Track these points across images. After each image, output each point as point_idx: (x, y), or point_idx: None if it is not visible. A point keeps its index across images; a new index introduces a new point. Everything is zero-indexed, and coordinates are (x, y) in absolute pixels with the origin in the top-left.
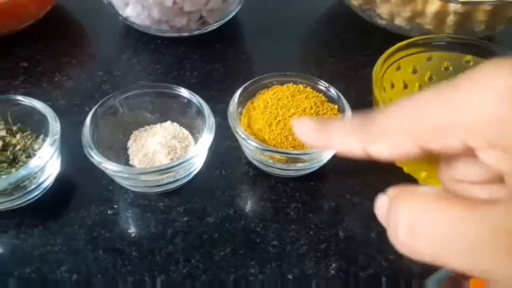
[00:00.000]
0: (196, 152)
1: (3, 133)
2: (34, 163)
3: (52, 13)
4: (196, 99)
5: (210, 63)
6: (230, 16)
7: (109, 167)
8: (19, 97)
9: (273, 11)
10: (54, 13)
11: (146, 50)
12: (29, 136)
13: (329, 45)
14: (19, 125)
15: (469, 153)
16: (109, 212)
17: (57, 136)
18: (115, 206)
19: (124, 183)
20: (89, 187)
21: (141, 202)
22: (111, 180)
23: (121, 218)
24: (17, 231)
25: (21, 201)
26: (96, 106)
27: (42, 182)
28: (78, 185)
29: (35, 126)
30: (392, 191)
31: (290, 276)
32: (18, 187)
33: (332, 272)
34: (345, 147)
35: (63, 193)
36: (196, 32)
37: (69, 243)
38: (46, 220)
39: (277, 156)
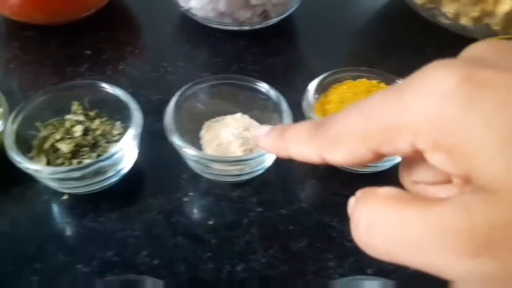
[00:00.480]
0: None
1: (81, 117)
2: (117, 151)
3: (113, 3)
4: (275, 93)
5: (271, 57)
6: (291, 11)
7: (191, 152)
8: (103, 84)
9: (329, 7)
10: (115, 2)
11: (206, 43)
12: (107, 122)
13: (387, 43)
14: (96, 110)
15: (419, 156)
16: (184, 199)
17: (141, 126)
18: (190, 193)
19: (201, 170)
20: (163, 174)
21: (214, 191)
22: (184, 169)
23: (197, 206)
24: (96, 215)
25: (98, 186)
26: (177, 94)
27: (121, 169)
28: (153, 172)
29: (111, 112)
30: (358, 192)
31: (369, 271)
32: (98, 172)
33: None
34: (302, 156)
35: (138, 179)
36: (257, 26)
37: (148, 228)
38: (123, 205)
39: None
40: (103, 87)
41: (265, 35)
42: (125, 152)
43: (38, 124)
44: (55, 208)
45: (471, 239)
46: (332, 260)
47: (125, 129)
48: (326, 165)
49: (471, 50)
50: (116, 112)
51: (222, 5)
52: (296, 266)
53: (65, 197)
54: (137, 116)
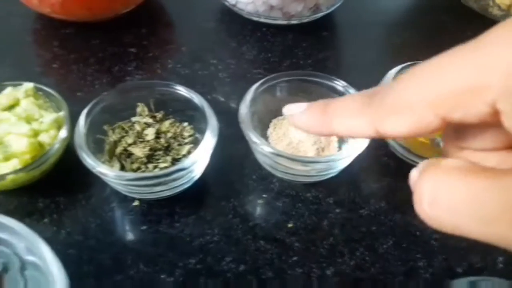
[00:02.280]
0: (347, 154)
1: (148, 119)
2: (197, 160)
3: None
4: (352, 91)
5: (322, 51)
6: (340, 3)
7: (268, 149)
8: (178, 87)
9: (374, 1)
10: None
11: (253, 38)
12: (177, 124)
13: (434, 34)
14: (162, 112)
15: (490, 119)
16: (259, 201)
17: (217, 133)
18: (264, 195)
19: (275, 168)
20: (233, 176)
21: (288, 192)
22: (252, 170)
23: (273, 208)
24: (171, 221)
25: (171, 192)
26: (252, 90)
27: (195, 176)
28: (222, 174)
29: (175, 113)
30: (421, 164)
31: (459, 270)
32: (175, 179)
33: (500, 265)
34: (352, 130)
35: (208, 183)
36: (305, 20)
37: (227, 232)
38: (197, 210)
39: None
40: (176, 89)
41: (312, 29)
42: (202, 159)
43: (106, 127)
44: (127, 215)
45: None
46: (420, 260)
47: (194, 131)
48: (379, 139)
49: None
50: (180, 113)
51: (275, 0)
52: (385, 267)
53: (136, 203)
54: (213, 123)
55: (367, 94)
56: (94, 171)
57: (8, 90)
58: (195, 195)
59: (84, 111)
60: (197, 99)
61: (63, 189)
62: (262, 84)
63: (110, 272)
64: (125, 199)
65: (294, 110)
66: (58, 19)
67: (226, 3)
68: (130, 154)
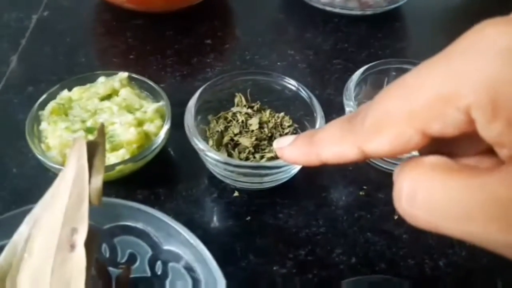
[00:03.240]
0: None
1: (247, 109)
2: None
3: None
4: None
5: (398, 41)
6: None
7: None
8: (279, 77)
9: None
10: None
11: (327, 29)
12: (276, 114)
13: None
14: (258, 102)
15: (467, 128)
16: (360, 193)
17: (324, 120)
18: (364, 187)
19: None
20: (328, 167)
21: (388, 182)
22: None
23: (375, 199)
24: (274, 211)
25: (276, 183)
26: (356, 78)
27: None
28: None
29: (274, 104)
30: (403, 160)
31: None
32: (281, 170)
33: None
34: (339, 156)
35: (309, 172)
36: (379, 11)
37: (333, 224)
38: (298, 201)
39: None
40: (276, 79)
41: (384, 20)
42: None
43: (210, 117)
44: (230, 206)
45: None
46: None
47: (292, 120)
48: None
49: None
50: (274, 102)
51: None
52: (498, 257)
53: (236, 194)
54: (321, 113)
55: (348, 118)
56: (206, 156)
57: (102, 79)
58: (293, 186)
59: (193, 100)
60: (302, 90)
61: (161, 180)
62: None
63: (221, 264)
64: (224, 190)
65: (282, 143)
66: (128, 10)
67: None
68: (236, 144)
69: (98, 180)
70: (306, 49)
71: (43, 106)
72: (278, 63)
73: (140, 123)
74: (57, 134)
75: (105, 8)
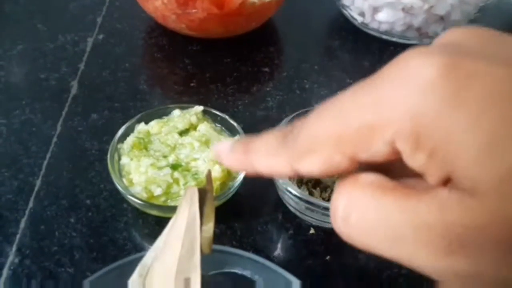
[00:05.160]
0: None
1: None
2: None
3: (273, 16)
4: None
5: None
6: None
7: None
8: None
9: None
10: (275, 15)
11: (384, 57)
12: None
13: None
14: None
15: (394, 158)
16: None
17: None
18: None
19: None
20: None
21: None
22: None
23: None
24: (353, 251)
25: None
26: None
27: None
28: None
29: None
30: (342, 178)
31: None
32: None
33: None
34: (272, 169)
35: None
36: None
37: None
38: None
39: None
40: None
41: None
42: None
43: None
44: (307, 244)
45: (444, 236)
46: None
47: None
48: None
49: (450, 35)
50: None
51: (419, 20)
52: None
53: (312, 231)
54: None
55: (284, 133)
56: (287, 193)
57: (177, 112)
58: None
59: None
60: None
61: (236, 215)
62: None
63: None
64: (299, 226)
65: (220, 148)
66: (184, 36)
67: (355, 22)
68: (317, 182)
69: (209, 228)
70: (364, 77)
71: (122, 139)
72: (338, 92)
73: None
74: (141, 170)
75: (160, 33)
